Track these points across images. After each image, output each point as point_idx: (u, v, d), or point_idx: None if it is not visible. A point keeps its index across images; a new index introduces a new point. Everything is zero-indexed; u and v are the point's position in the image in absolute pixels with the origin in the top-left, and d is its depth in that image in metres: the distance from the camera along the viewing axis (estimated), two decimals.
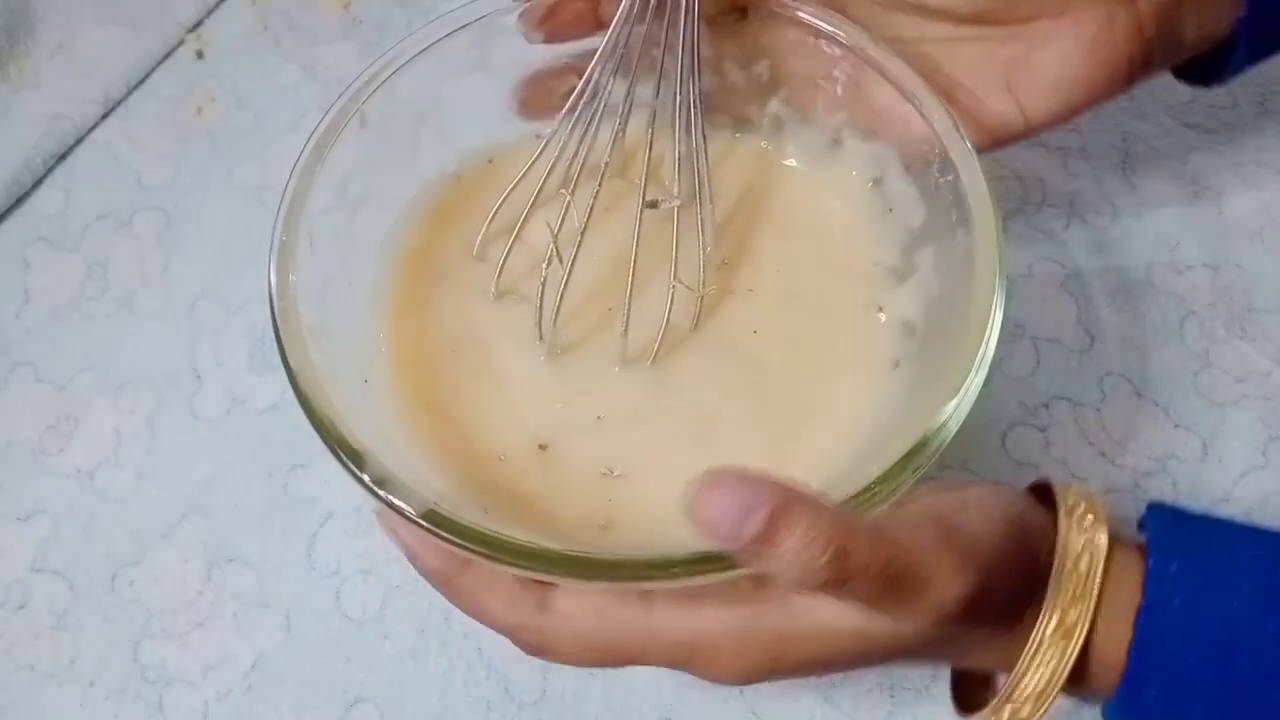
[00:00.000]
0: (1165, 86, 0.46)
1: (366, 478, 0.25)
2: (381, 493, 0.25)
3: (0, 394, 0.40)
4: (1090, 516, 0.28)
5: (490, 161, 0.35)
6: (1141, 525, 0.29)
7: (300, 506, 0.37)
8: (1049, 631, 0.26)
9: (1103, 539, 0.27)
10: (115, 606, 0.36)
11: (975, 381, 0.26)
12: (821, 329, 0.32)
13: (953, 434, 0.26)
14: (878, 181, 0.34)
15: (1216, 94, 0.46)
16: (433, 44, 0.32)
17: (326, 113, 0.31)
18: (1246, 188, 0.44)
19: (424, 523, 0.25)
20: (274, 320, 0.28)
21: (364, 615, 0.36)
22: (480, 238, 0.33)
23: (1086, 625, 0.26)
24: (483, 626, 0.35)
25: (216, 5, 0.49)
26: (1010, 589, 0.26)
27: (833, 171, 0.35)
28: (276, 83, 0.47)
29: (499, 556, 0.25)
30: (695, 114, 0.30)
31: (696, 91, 0.30)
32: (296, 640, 0.35)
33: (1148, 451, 0.38)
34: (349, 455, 0.26)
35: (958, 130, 0.30)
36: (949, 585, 0.24)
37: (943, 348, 0.29)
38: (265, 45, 0.48)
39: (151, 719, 0.34)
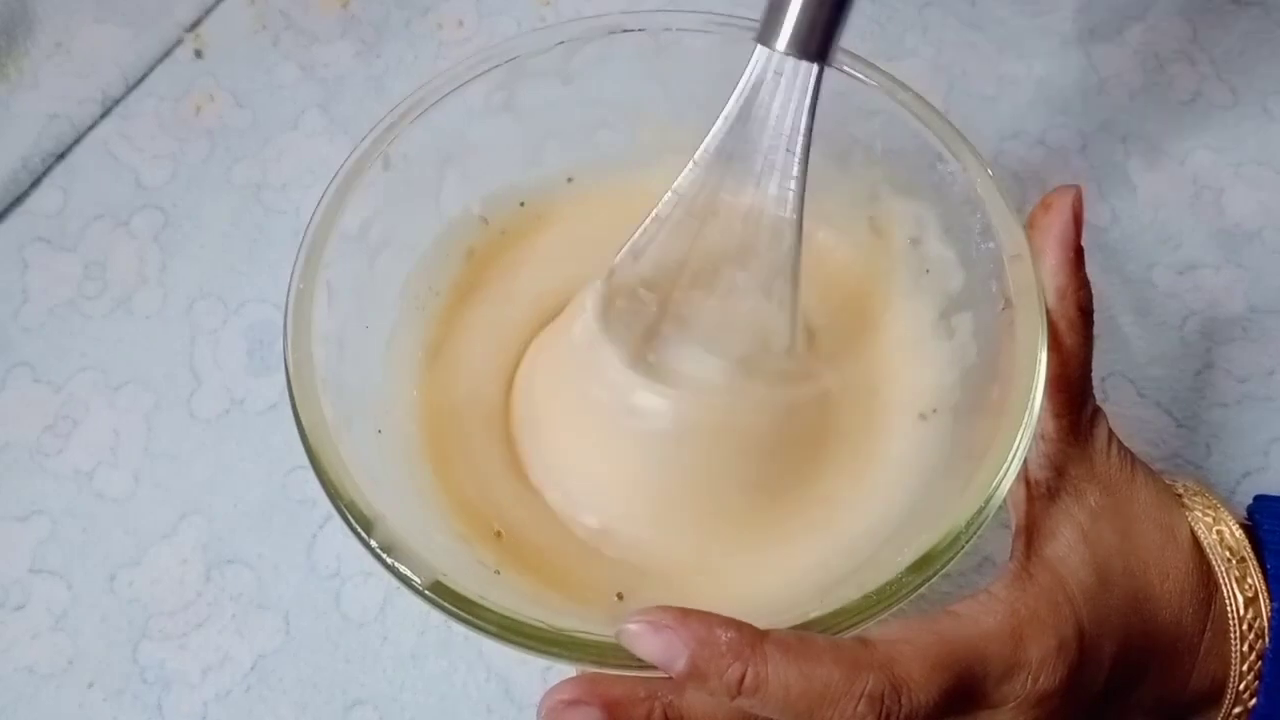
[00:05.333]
0: (1166, 85, 0.46)
1: (374, 544, 0.25)
2: (389, 560, 0.25)
3: None
4: (1198, 499, 0.28)
5: (522, 205, 0.34)
6: (1250, 516, 0.29)
7: (300, 507, 0.37)
8: (1241, 609, 0.27)
9: (1225, 514, 0.28)
10: (114, 607, 0.36)
11: (1010, 472, 0.25)
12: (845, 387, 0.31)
13: (986, 522, 0.25)
14: (915, 241, 0.33)
15: (1218, 93, 0.46)
16: (459, 86, 0.32)
17: (350, 155, 0.30)
18: (1247, 188, 0.43)
19: (430, 594, 0.24)
20: (287, 371, 0.27)
21: (364, 616, 0.35)
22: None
23: (1264, 588, 0.26)
24: None
25: (215, 4, 0.49)
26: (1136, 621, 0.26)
27: (867, 228, 0.34)
28: (275, 81, 0.47)
29: (508, 637, 0.24)
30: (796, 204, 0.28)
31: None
32: (296, 641, 0.35)
33: (1151, 451, 0.38)
34: (358, 520, 0.25)
35: (1001, 195, 0.29)
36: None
37: (977, 421, 0.28)
38: (264, 44, 0.48)
39: None
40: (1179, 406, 0.39)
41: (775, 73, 0.27)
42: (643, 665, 0.24)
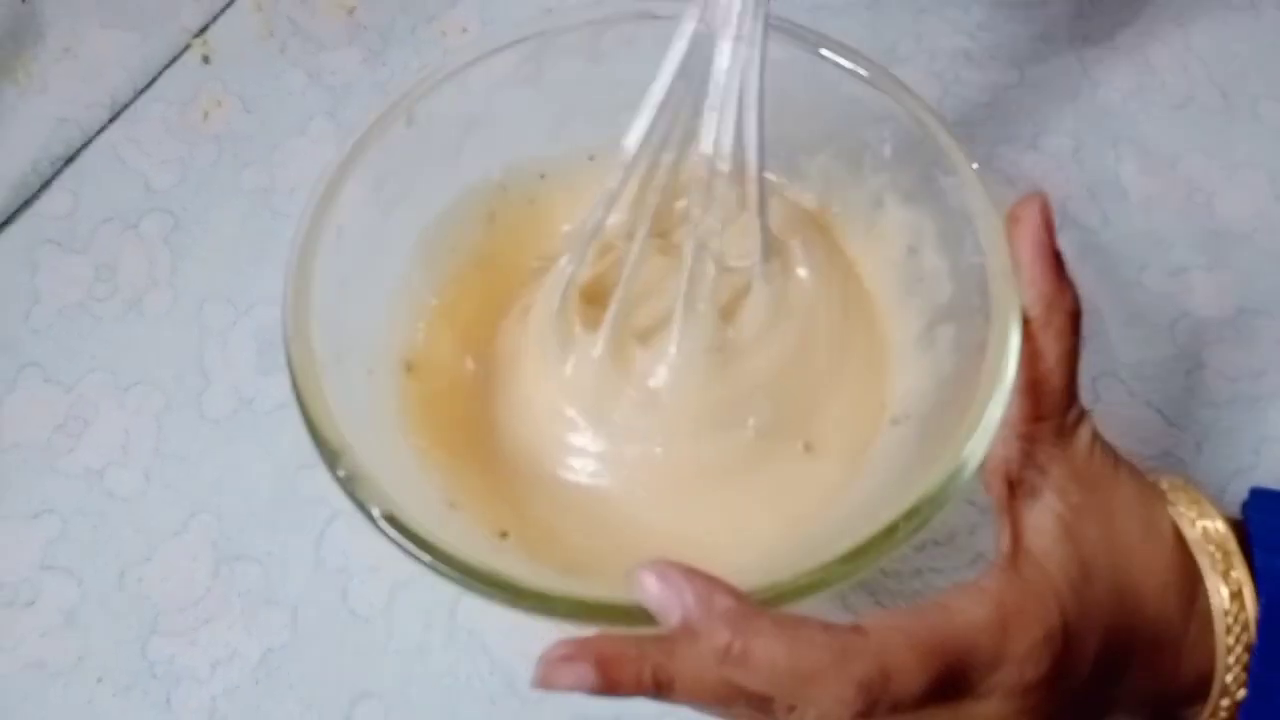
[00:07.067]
0: (1158, 89, 0.47)
1: (340, 473, 0.26)
2: (349, 488, 0.26)
3: (9, 395, 0.41)
4: (1182, 495, 0.29)
5: (543, 177, 0.35)
6: (1243, 509, 0.29)
7: (308, 505, 0.38)
8: (1225, 603, 0.27)
9: (1210, 509, 0.28)
10: (124, 604, 0.36)
11: (956, 483, 0.25)
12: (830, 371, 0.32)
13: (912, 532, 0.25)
14: (913, 250, 0.33)
15: (1210, 97, 0.46)
16: (487, 54, 0.32)
17: (373, 110, 0.31)
18: (1238, 190, 0.44)
19: (383, 524, 0.25)
20: (284, 298, 0.28)
21: (370, 611, 0.36)
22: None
23: (1249, 582, 0.27)
24: (488, 623, 0.35)
25: (222, 10, 0.50)
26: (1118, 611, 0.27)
27: (871, 232, 0.34)
28: (282, 87, 0.48)
29: (449, 573, 0.24)
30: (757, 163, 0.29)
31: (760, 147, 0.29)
32: (303, 636, 0.36)
33: (1142, 451, 0.38)
34: (323, 445, 0.26)
35: (993, 210, 0.29)
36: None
37: (938, 433, 0.28)
38: (271, 50, 0.49)
39: (159, 716, 0.35)
40: (1170, 406, 0.39)
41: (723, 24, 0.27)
42: (595, 619, 0.24)
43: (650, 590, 0.24)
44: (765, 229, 0.31)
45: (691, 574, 0.24)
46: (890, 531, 0.25)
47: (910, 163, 0.32)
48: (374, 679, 0.35)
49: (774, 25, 0.32)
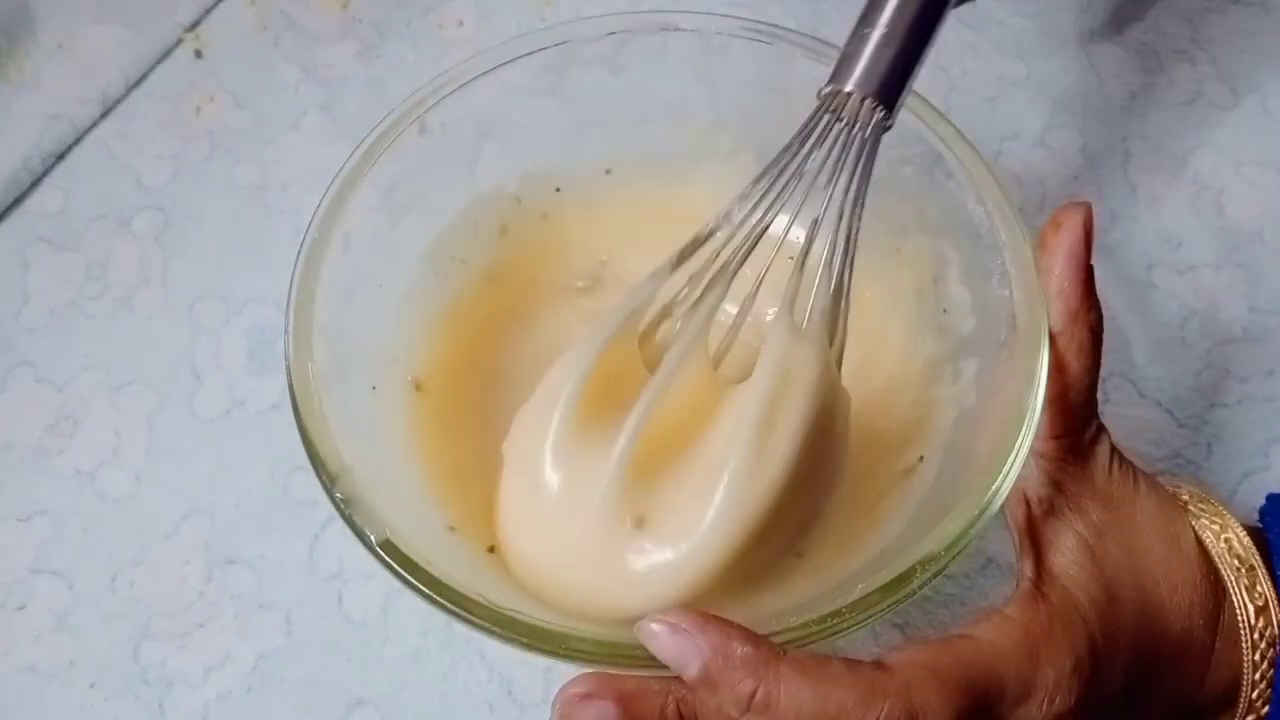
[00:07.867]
0: (1167, 86, 0.46)
1: (337, 495, 0.25)
2: (346, 512, 0.25)
3: (1, 395, 0.40)
4: (1204, 507, 0.28)
5: (558, 190, 0.34)
6: (1261, 517, 0.29)
7: (301, 508, 0.37)
8: (1251, 618, 0.26)
9: (1231, 520, 0.28)
10: (116, 607, 0.36)
11: (974, 530, 0.24)
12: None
13: (929, 574, 0.24)
14: (937, 280, 0.32)
15: (1218, 93, 0.46)
16: (506, 62, 0.32)
17: (386, 116, 0.30)
18: (1247, 188, 0.44)
19: (380, 552, 0.24)
20: (287, 313, 0.27)
21: (365, 617, 0.35)
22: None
23: (1274, 596, 0.26)
24: None
25: (215, 5, 0.49)
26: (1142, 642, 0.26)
27: (894, 260, 0.33)
28: (275, 82, 0.47)
29: (444, 605, 0.24)
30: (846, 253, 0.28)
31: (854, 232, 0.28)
32: (298, 642, 0.35)
33: (1152, 452, 0.38)
34: (321, 467, 0.25)
35: (1026, 244, 0.28)
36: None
37: (959, 474, 0.27)
38: (264, 45, 0.48)
39: None
40: (1179, 406, 0.39)
41: (838, 121, 0.27)
42: (597, 661, 0.23)
43: (663, 643, 0.23)
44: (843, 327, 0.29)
45: (705, 621, 0.23)
46: (906, 578, 0.24)
47: (936, 189, 0.31)
48: (369, 685, 0.34)
49: (796, 42, 0.32)
